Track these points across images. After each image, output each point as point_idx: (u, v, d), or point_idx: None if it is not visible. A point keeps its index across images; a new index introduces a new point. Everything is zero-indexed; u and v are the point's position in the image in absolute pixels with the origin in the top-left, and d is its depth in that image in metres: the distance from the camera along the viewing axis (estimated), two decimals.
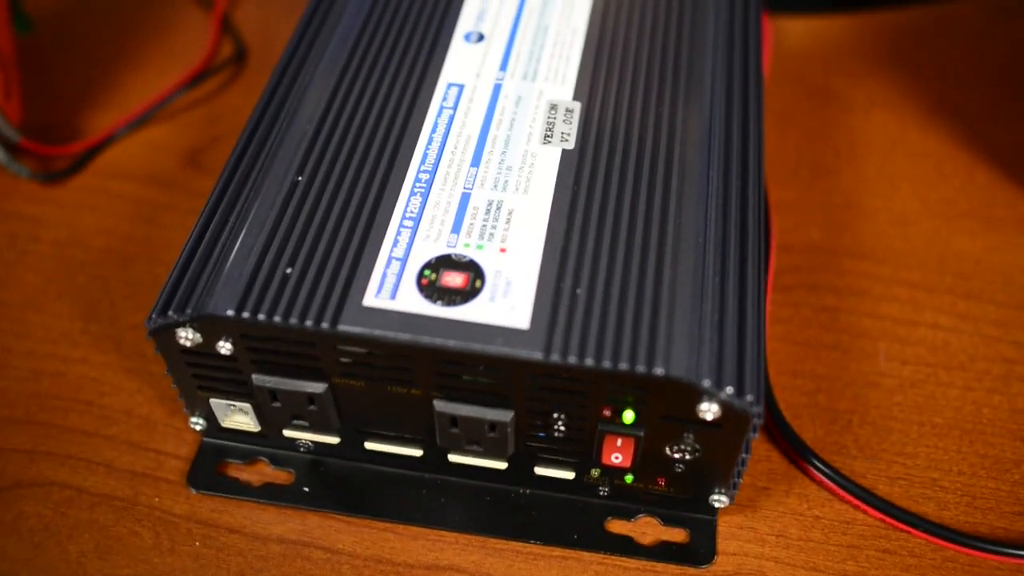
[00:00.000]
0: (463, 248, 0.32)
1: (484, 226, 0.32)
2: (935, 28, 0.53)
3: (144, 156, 0.46)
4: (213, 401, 0.34)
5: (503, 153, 0.34)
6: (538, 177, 0.34)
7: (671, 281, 0.31)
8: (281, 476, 0.36)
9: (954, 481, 0.36)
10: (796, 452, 0.36)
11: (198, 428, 0.36)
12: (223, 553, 0.34)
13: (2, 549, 0.34)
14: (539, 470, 0.34)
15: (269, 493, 0.35)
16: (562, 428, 0.32)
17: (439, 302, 0.30)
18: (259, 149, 0.35)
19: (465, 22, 0.39)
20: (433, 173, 0.34)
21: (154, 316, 0.31)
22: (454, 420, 0.32)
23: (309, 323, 0.30)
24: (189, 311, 0.31)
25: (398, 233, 0.32)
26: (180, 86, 0.48)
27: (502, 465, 0.34)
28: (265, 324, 0.30)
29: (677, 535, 0.34)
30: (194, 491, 0.35)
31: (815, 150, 0.47)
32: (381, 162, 0.34)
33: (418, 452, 0.34)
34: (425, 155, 0.34)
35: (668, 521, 0.35)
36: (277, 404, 0.33)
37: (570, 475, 0.34)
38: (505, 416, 0.31)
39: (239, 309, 0.30)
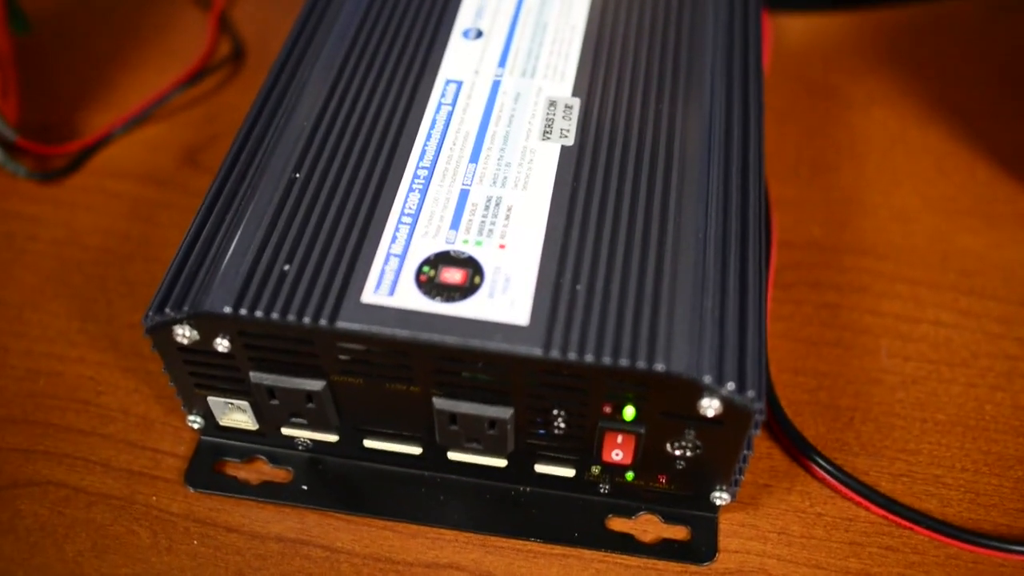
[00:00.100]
0: (462, 244, 0.31)
1: (483, 222, 0.32)
2: (935, 25, 0.53)
3: (142, 155, 0.46)
4: (211, 399, 0.34)
5: (502, 149, 0.34)
6: (537, 173, 0.33)
7: (671, 277, 0.31)
8: (279, 474, 0.36)
9: (957, 478, 0.36)
10: (798, 449, 0.36)
11: (196, 426, 0.35)
12: (221, 552, 0.34)
13: None
14: (539, 467, 0.34)
15: (267, 491, 0.35)
16: (562, 425, 0.32)
17: (438, 298, 0.30)
18: (256, 146, 0.35)
19: (464, 19, 0.39)
20: (432, 169, 0.34)
21: (151, 313, 0.31)
22: (453, 417, 0.31)
23: (307, 320, 0.29)
24: (186, 308, 0.30)
25: (396, 229, 0.32)
26: (178, 85, 0.48)
27: (502, 463, 0.34)
28: (263, 321, 0.30)
29: (678, 533, 0.34)
30: (192, 490, 0.35)
31: (815, 147, 0.47)
32: (379, 158, 0.34)
33: (417, 450, 0.34)
34: (424, 151, 0.34)
35: (669, 519, 0.34)
36: (275, 402, 0.32)
37: (570, 472, 0.34)
38: (505, 413, 0.31)
39: (236, 306, 0.30)
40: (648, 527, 0.34)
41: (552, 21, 0.39)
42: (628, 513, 0.34)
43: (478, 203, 0.32)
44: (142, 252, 0.42)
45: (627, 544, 0.34)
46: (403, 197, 0.33)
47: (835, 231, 0.43)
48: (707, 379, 0.29)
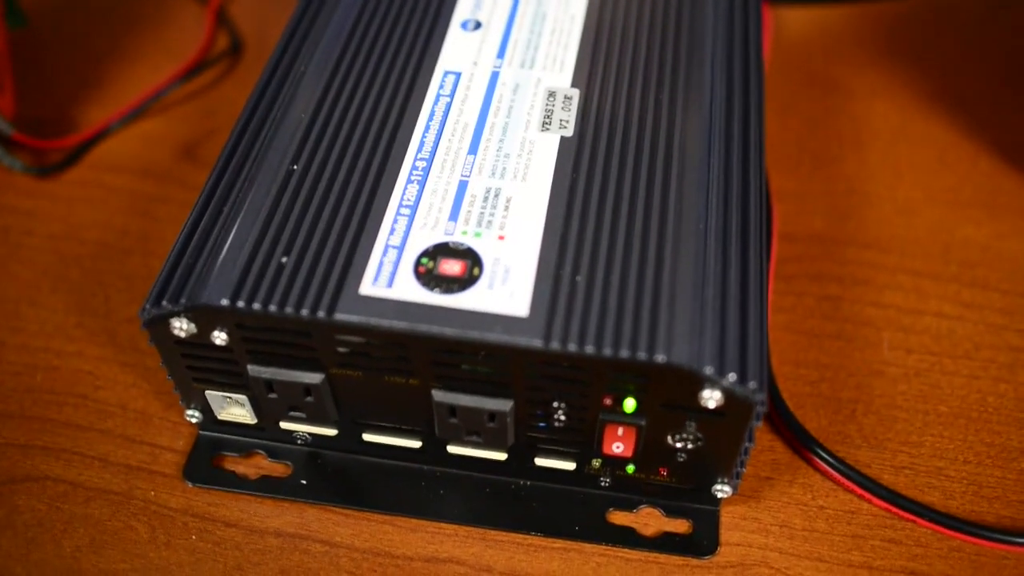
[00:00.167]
0: (461, 236, 0.31)
1: (482, 213, 0.32)
2: (935, 17, 0.53)
3: (139, 149, 0.46)
4: (209, 393, 0.34)
5: (501, 140, 0.34)
6: (536, 164, 0.33)
7: (672, 267, 0.30)
8: (278, 469, 0.35)
9: (960, 470, 0.36)
10: (800, 442, 0.36)
11: (194, 421, 0.35)
12: (220, 547, 0.34)
13: None
14: (539, 461, 0.34)
15: (266, 486, 0.35)
16: (563, 417, 0.31)
17: (437, 290, 0.30)
18: (254, 139, 0.35)
19: (462, 10, 0.39)
20: (430, 161, 0.33)
21: (148, 306, 0.31)
22: (453, 410, 0.31)
23: (305, 312, 0.29)
24: (183, 301, 0.30)
25: (395, 221, 0.32)
26: (175, 79, 0.48)
27: (502, 456, 0.33)
28: (260, 313, 0.29)
29: (680, 526, 0.34)
30: (190, 484, 0.35)
31: (817, 139, 0.47)
32: (377, 150, 0.34)
33: (417, 443, 0.34)
34: (422, 143, 0.34)
35: (670, 512, 0.34)
36: (273, 395, 0.32)
37: (571, 466, 0.33)
38: (505, 406, 0.31)
39: (234, 298, 0.30)
40: (649, 520, 0.34)
41: (551, 12, 0.39)
42: (629, 506, 0.34)
43: (477, 194, 0.32)
44: (140, 247, 0.42)
45: (628, 538, 0.34)
46: (401, 188, 0.32)
47: (837, 223, 0.43)
48: (708, 370, 0.29)
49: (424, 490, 0.35)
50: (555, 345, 0.29)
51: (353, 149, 0.34)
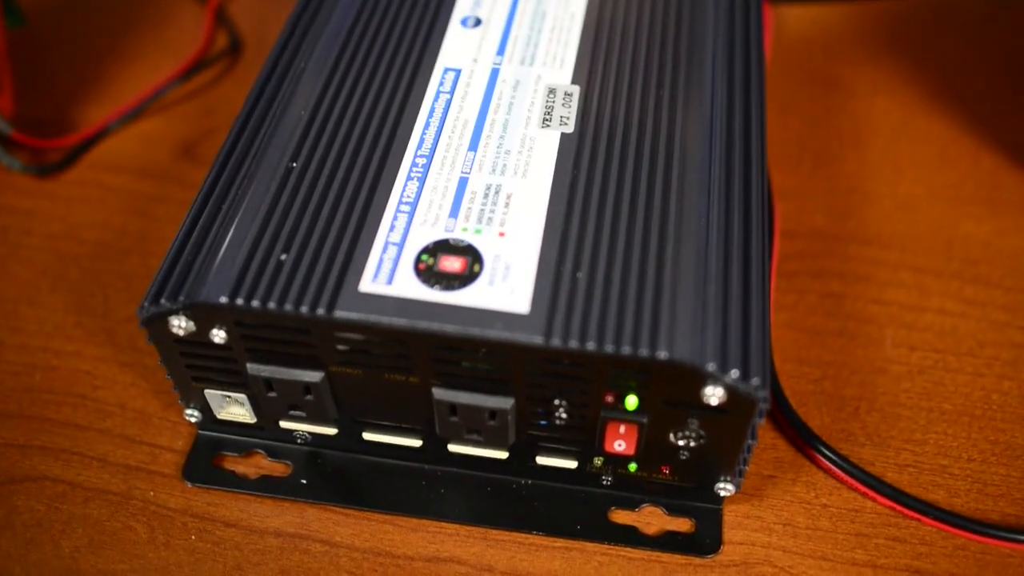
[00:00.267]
0: (461, 232, 0.31)
1: (482, 210, 0.32)
2: (936, 14, 0.53)
3: (138, 149, 0.46)
4: (208, 392, 0.33)
5: (501, 137, 0.34)
6: (537, 161, 0.33)
7: (673, 264, 0.30)
8: (278, 468, 0.35)
9: (964, 468, 0.35)
10: (803, 440, 0.36)
11: (193, 420, 0.35)
12: (219, 547, 0.33)
13: None
14: (541, 459, 0.33)
15: (266, 486, 0.35)
16: (564, 415, 0.31)
17: (437, 287, 0.29)
18: (253, 136, 0.35)
19: (462, 7, 0.39)
20: (430, 158, 0.33)
21: (146, 304, 0.30)
22: (453, 408, 0.31)
23: (304, 309, 0.29)
24: (182, 299, 0.30)
25: (395, 218, 0.31)
26: (174, 78, 0.48)
27: (503, 455, 0.33)
28: (259, 311, 0.29)
29: (682, 525, 0.34)
30: (189, 484, 0.35)
31: (818, 137, 0.46)
32: (377, 147, 0.34)
33: (417, 442, 0.34)
34: (422, 140, 0.34)
35: (673, 511, 0.34)
36: (273, 394, 0.32)
37: (572, 464, 0.33)
38: (505, 403, 0.31)
39: (233, 296, 0.29)
40: (652, 519, 0.34)
41: (551, 9, 0.39)
42: (631, 505, 0.34)
43: (477, 191, 0.32)
44: (139, 246, 0.42)
45: (630, 536, 0.33)
46: (401, 185, 0.32)
47: (838, 220, 0.43)
48: (711, 367, 0.28)
49: (425, 489, 0.34)
50: (556, 342, 0.28)
51: (353, 146, 0.33)
